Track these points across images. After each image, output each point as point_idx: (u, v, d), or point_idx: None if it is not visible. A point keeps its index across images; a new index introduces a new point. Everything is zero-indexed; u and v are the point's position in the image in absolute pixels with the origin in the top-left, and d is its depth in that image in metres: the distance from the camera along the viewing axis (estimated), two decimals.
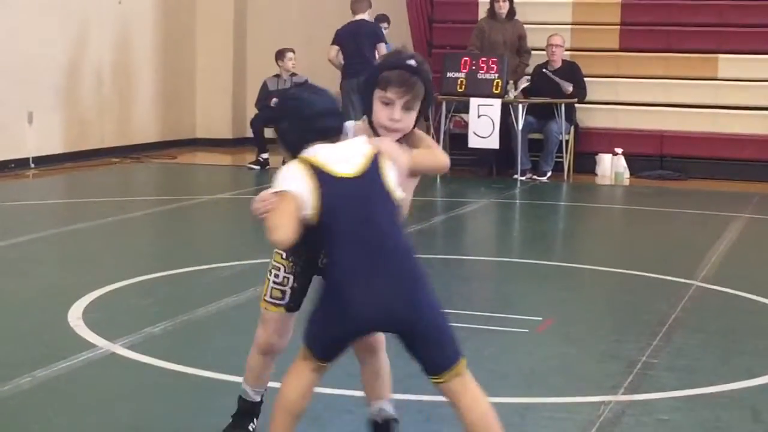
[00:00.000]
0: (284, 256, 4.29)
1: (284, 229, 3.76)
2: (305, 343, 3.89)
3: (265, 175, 13.98)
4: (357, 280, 3.72)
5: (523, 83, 14.05)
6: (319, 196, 3.71)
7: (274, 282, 4.32)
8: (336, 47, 13.84)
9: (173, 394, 5.32)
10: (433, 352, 3.87)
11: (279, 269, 4.32)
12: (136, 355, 5.76)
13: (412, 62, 4.04)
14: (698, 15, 15.03)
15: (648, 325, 6.61)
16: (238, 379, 5.36)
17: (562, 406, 5.19)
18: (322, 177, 3.73)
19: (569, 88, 13.87)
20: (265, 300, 4.36)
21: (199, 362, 5.65)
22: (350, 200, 3.74)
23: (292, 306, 4.34)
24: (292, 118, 3.90)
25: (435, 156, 4.20)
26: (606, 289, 8.13)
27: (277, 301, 4.33)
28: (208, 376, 5.45)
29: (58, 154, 14.22)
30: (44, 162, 13.82)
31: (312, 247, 4.07)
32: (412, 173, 4.06)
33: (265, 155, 14.28)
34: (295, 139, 3.88)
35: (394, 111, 3.98)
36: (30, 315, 6.71)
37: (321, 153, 3.79)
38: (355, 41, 13.61)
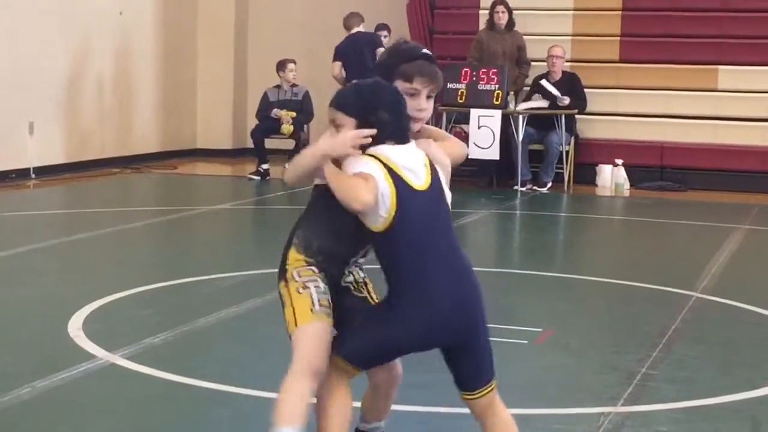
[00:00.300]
0: (316, 270, 3.92)
1: (370, 195, 3.66)
2: (347, 359, 3.81)
3: (265, 185, 13.99)
4: (424, 295, 3.74)
5: (539, 101, 13.98)
6: (395, 201, 3.71)
7: (318, 292, 3.88)
8: (339, 63, 13.86)
9: (173, 405, 5.32)
10: (474, 368, 3.94)
11: (316, 281, 3.91)
12: (136, 366, 5.76)
13: (427, 51, 4.07)
14: (698, 27, 15.04)
15: (647, 337, 6.61)
16: (239, 390, 5.39)
17: (562, 417, 5.19)
18: (398, 183, 3.72)
19: (565, 101, 13.86)
20: (313, 312, 3.85)
21: (199, 373, 5.65)
22: (422, 212, 3.78)
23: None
24: (394, 99, 3.83)
25: (458, 146, 4.21)
26: (606, 300, 8.13)
27: (328, 310, 3.88)
28: (209, 387, 5.45)
29: (59, 165, 14.24)
30: (45, 172, 13.84)
31: (345, 258, 3.98)
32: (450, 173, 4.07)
33: (265, 166, 14.29)
34: (397, 129, 3.79)
35: (421, 101, 3.96)
36: (30, 325, 6.72)
37: (394, 157, 3.76)
38: (355, 52, 13.64)
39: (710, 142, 14.48)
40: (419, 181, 3.78)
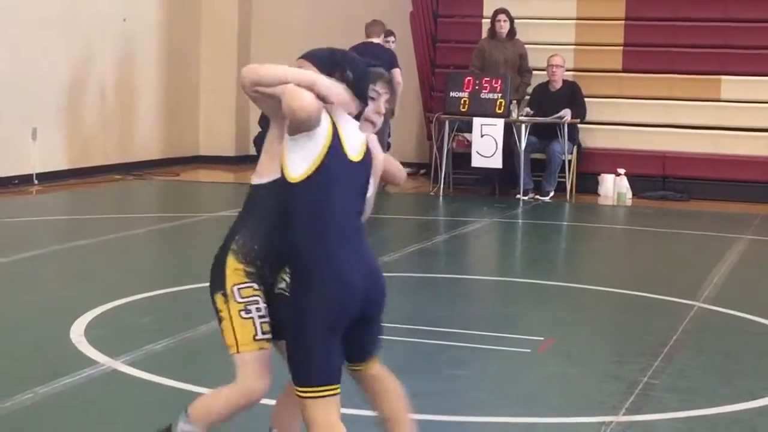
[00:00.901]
0: (256, 287, 3.94)
1: (317, 108, 3.66)
2: (310, 384, 3.73)
3: None
4: (331, 264, 3.70)
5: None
6: (325, 153, 3.70)
7: (260, 316, 3.93)
8: None
9: (175, 411, 5.30)
10: (370, 338, 3.96)
11: (257, 302, 3.95)
12: (138, 372, 5.76)
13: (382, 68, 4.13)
14: (701, 37, 15.05)
15: (649, 346, 6.61)
16: None
17: (563, 426, 5.19)
18: (335, 141, 3.73)
19: (567, 117, 13.83)
20: (256, 340, 3.92)
21: (201, 379, 5.64)
22: (344, 178, 3.75)
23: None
24: (363, 72, 3.89)
25: (398, 165, 4.29)
26: (608, 310, 8.13)
27: (269, 336, 3.95)
28: None
29: (62, 171, 14.25)
30: (47, 178, 13.85)
31: (283, 258, 3.91)
32: (380, 175, 4.11)
33: None
34: (365, 89, 3.86)
35: (380, 104, 4.00)
36: (32, 331, 6.72)
37: (341, 119, 3.80)
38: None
39: (713, 152, 14.48)
40: (353, 152, 3.79)
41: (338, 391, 3.76)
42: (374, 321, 3.93)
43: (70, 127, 14.51)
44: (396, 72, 13.66)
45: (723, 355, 6.62)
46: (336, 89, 3.77)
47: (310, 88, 3.70)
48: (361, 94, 3.87)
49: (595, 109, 14.55)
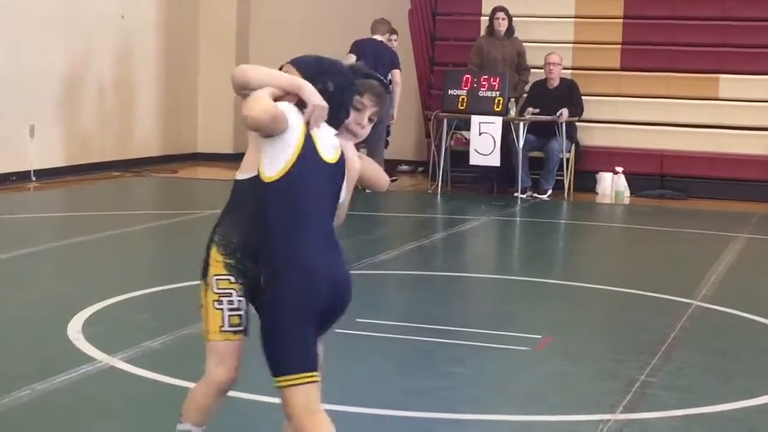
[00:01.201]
0: (233, 280, 4.06)
1: (265, 115, 3.74)
2: (286, 373, 3.78)
3: None
4: (302, 261, 3.79)
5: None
6: (298, 153, 3.79)
7: (230, 309, 4.06)
8: (354, 56, 13.78)
9: (172, 408, 5.30)
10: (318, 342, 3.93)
11: (230, 294, 4.07)
12: (135, 369, 5.76)
13: (383, 79, 4.17)
14: (699, 35, 15.05)
15: (647, 344, 6.61)
16: (238, 393, 5.37)
17: (561, 424, 5.19)
18: (308, 142, 3.82)
19: (564, 116, 13.81)
20: (222, 331, 4.08)
21: (198, 376, 5.58)
22: (317, 178, 3.84)
23: (247, 329, 4.11)
24: (347, 83, 3.96)
25: (380, 172, 4.33)
26: (605, 308, 8.13)
27: (237, 328, 4.08)
28: None
29: (59, 168, 14.23)
30: (45, 175, 13.83)
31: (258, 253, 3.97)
32: (358, 180, 4.16)
33: None
34: (334, 106, 3.90)
35: (363, 117, 4.04)
36: (29, 328, 6.71)
37: (321, 132, 3.88)
38: (374, 59, 13.57)
39: (711, 151, 14.48)
40: (327, 154, 3.87)
41: (317, 378, 3.79)
42: (331, 325, 3.95)
43: (68, 124, 14.50)
44: (395, 73, 13.67)
45: (721, 354, 6.63)
46: (319, 101, 3.84)
47: (296, 92, 3.82)
48: (341, 105, 3.93)
49: (593, 107, 14.55)
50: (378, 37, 14.01)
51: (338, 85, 3.92)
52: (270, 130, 3.77)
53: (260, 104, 3.76)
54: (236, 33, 17.31)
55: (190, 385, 5.49)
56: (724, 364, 6.39)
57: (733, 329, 7.31)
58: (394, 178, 13.83)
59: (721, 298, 8.04)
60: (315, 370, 3.81)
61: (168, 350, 6.22)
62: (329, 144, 3.89)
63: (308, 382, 3.78)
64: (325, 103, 3.87)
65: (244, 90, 3.93)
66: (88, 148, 14.90)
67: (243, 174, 4.11)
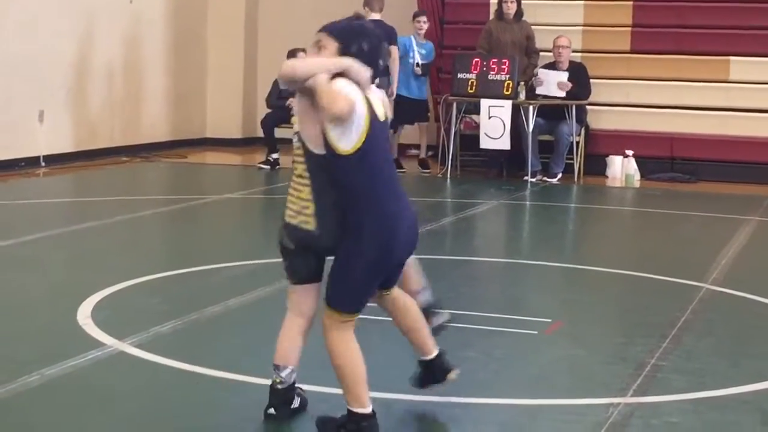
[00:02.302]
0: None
1: (348, 107, 4.28)
2: (338, 308, 4.46)
3: (275, 175, 13.98)
4: (383, 217, 4.40)
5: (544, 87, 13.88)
6: (368, 124, 4.37)
7: None
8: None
9: (181, 393, 5.32)
10: (398, 273, 4.72)
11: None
12: (145, 354, 5.76)
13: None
14: (710, 17, 14.97)
15: (657, 328, 6.60)
16: (247, 378, 5.39)
17: (571, 407, 5.18)
18: (370, 109, 4.41)
19: (565, 83, 13.75)
20: None
21: (207, 361, 5.64)
22: (382, 140, 4.48)
23: None
24: (374, 43, 4.52)
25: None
26: (615, 292, 8.11)
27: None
28: (216, 375, 5.45)
29: (69, 153, 14.24)
30: (54, 160, 13.84)
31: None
32: None
33: (275, 155, 14.26)
34: (370, 65, 4.46)
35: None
36: (39, 313, 6.72)
37: (372, 96, 4.47)
38: None
39: (721, 134, 14.42)
40: (380, 115, 4.48)
41: (354, 319, 4.53)
42: (404, 263, 4.65)
43: (77, 109, 14.50)
44: (393, 49, 13.56)
45: (731, 337, 6.61)
46: (364, 72, 4.40)
47: (344, 72, 4.35)
48: (372, 62, 4.46)
49: (603, 90, 14.50)
50: (375, 16, 13.93)
51: (370, 45, 4.47)
52: (350, 117, 4.29)
53: (339, 97, 4.27)
54: (245, 17, 17.28)
55: (199, 369, 5.52)
56: (735, 347, 6.37)
57: (743, 312, 7.29)
58: (403, 170, 13.79)
59: (731, 281, 8.01)
60: (358, 313, 4.51)
61: (177, 335, 6.22)
62: (379, 101, 4.50)
63: (351, 322, 4.50)
64: (367, 73, 4.40)
65: (292, 82, 4.40)
66: (98, 133, 14.90)
67: (318, 149, 4.45)
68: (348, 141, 4.33)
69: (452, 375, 4.98)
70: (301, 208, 4.58)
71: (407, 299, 4.85)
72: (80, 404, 5.08)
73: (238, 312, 6.81)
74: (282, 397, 4.83)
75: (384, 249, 4.42)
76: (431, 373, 4.97)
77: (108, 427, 4.78)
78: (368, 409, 4.50)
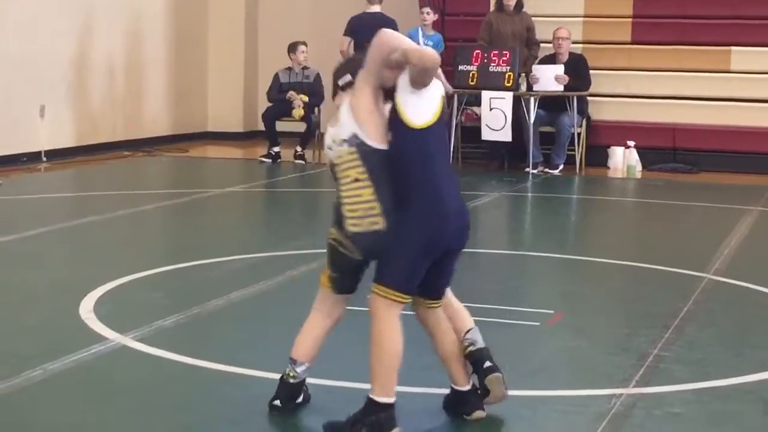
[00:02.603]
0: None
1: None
2: (390, 285, 4.47)
3: (276, 168, 13.98)
4: (437, 195, 4.54)
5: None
6: (441, 103, 4.60)
7: None
8: (348, 38, 13.78)
9: (184, 386, 5.33)
10: (446, 273, 4.73)
11: None
12: (147, 348, 5.77)
13: None
14: (711, 7, 14.95)
15: (659, 318, 6.60)
16: (249, 371, 5.40)
17: (573, 399, 5.18)
18: (443, 101, 4.67)
19: (562, 77, 13.74)
20: None
21: (210, 355, 5.65)
22: (443, 122, 4.67)
23: None
24: None
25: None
26: (617, 283, 8.11)
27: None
28: (219, 369, 5.46)
29: (70, 148, 14.23)
30: (56, 155, 13.84)
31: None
32: None
33: (276, 148, 14.26)
34: None
35: None
36: (42, 308, 6.73)
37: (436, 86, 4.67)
38: (371, 33, 13.49)
39: (723, 124, 14.41)
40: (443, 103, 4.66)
41: (407, 301, 4.57)
42: (454, 256, 4.68)
43: (78, 104, 14.49)
44: None
45: (733, 327, 6.61)
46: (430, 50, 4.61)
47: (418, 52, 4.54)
48: None
49: (604, 81, 14.48)
50: (374, 8, 13.90)
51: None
52: (436, 72, 4.53)
53: (430, 51, 4.55)
54: (245, 10, 17.26)
55: (202, 363, 5.52)
56: (737, 337, 6.37)
57: (745, 302, 7.29)
58: None
59: (733, 271, 8.01)
60: (410, 295, 4.56)
61: (180, 329, 6.22)
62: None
63: (400, 302, 4.52)
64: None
65: (393, 54, 4.55)
66: (99, 128, 14.89)
67: (380, 143, 4.58)
68: (420, 115, 4.51)
69: (478, 414, 4.81)
70: (366, 211, 4.58)
71: (449, 326, 4.81)
72: (83, 398, 5.08)
73: (240, 306, 6.81)
74: (291, 391, 4.84)
75: (434, 226, 4.51)
76: (458, 403, 4.86)
77: (111, 420, 4.78)
78: (392, 399, 4.49)
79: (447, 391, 4.92)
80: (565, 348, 6.03)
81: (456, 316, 4.90)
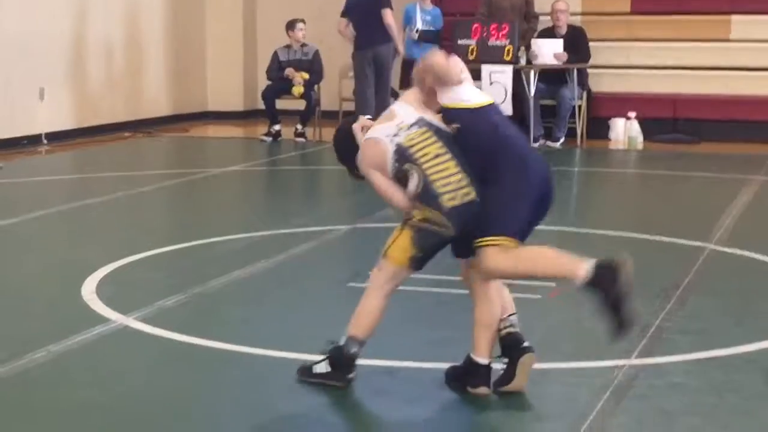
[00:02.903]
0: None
1: None
2: (503, 233, 4.63)
3: (277, 146, 13.96)
4: (526, 146, 4.88)
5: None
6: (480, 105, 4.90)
7: None
8: (345, 20, 13.74)
9: (186, 366, 5.34)
10: (537, 221, 4.96)
11: None
12: (150, 328, 5.77)
13: None
14: None
15: (661, 289, 6.59)
16: (251, 350, 5.40)
17: (576, 371, 5.19)
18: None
19: (561, 54, 13.70)
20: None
21: (212, 334, 5.66)
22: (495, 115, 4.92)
23: None
24: None
25: None
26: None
27: None
28: (221, 348, 5.46)
29: (70, 130, 14.22)
30: (56, 138, 13.83)
31: None
32: None
33: (276, 127, 14.24)
34: None
35: None
36: (43, 290, 6.74)
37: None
38: (364, 11, 13.49)
39: (724, 93, 14.37)
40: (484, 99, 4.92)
41: (514, 244, 4.69)
42: (548, 201, 4.88)
43: (77, 86, 14.47)
44: (386, 13, 13.45)
45: (736, 297, 6.60)
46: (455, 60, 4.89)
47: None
48: None
49: (604, 52, 14.44)
50: None
51: None
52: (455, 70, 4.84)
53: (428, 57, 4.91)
54: None
55: (204, 342, 5.52)
56: (740, 306, 6.37)
57: (748, 271, 7.28)
58: None
59: (735, 240, 8.00)
60: (519, 241, 4.71)
61: (181, 309, 6.23)
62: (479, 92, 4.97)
63: (504, 244, 4.63)
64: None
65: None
66: (99, 109, 14.87)
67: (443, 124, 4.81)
68: (471, 99, 4.79)
69: (483, 390, 4.80)
70: (456, 184, 4.67)
71: (497, 297, 4.84)
72: (86, 379, 5.09)
73: (242, 284, 6.81)
74: (350, 368, 4.84)
75: (529, 175, 4.71)
76: (467, 374, 4.82)
77: (114, 400, 4.79)
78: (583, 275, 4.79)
79: (445, 364, 4.92)
80: (568, 320, 6.03)
81: (505, 299, 4.93)
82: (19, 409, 4.68)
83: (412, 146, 4.72)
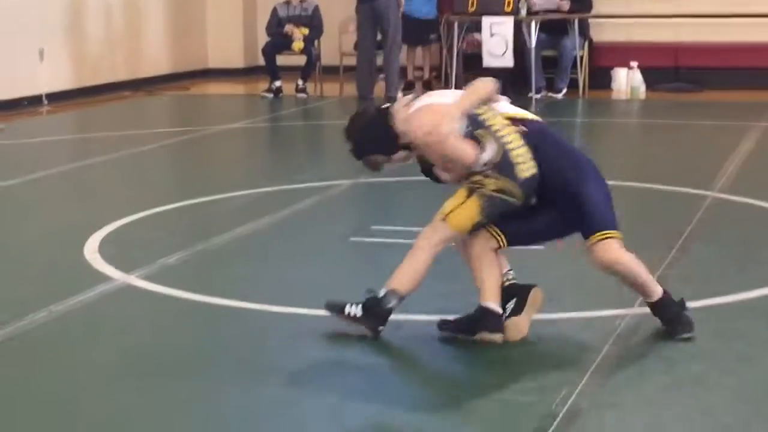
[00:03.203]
0: None
1: None
2: (613, 226, 4.89)
3: (278, 103, 13.92)
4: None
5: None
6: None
7: None
8: None
9: (189, 323, 5.35)
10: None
11: None
12: (153, 286, 5.78)
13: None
14: None
15: (664, 238, 6.59)
16: (254, 306, 5.41)
17: (579, 321, 5.21)
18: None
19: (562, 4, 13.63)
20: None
21: (215, 291, 5.66)
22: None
23: None
24: None
25: None
26: (622, 204, 7.95)
27: None
28: (224, 304, 5.47)
29: (71, 90, 14.19)
30: (57, 98, 13.79)
31: None
32: None
33: (277, 83, 14.19)
34: None
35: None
36: (46, 250, 6.74)
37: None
38: None
39: (725, 41, 14.30)
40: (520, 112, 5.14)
41: (620, 236, 4.88)
42: None
43: (77, 46, 14.42)
44: None
45: (738, 244, 6.59)
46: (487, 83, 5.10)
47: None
48: None
49: (605, 2, 14.35)
50: None
51: None
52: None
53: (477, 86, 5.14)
54: None
55: (206, 299, 5.53)
56: (742, 253, 6.36)
57: (750, 219, 7.27)
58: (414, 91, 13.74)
59: (738, 188, 7.98)
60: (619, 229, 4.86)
61: (184, 266, 6.23)
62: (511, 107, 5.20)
63: (616, 237, 4.83)
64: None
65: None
66: (99, 69, 14.83)
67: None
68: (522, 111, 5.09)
69: (497, 336, 4.83)
70: (525, 155, 4.75)
71: (493, 255, 4.91)
72: (89, 338, 5.10)
73: (245, 241, 6.81)
74: (384, 321, 4.86)
75: (597, 172, 5.03)
76: (481, 321, 4.84)
77: (117, 358, 4.80)
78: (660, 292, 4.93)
79: (449, 317, 4.94)
80: (570, 271, 6.03)
81: (500, 258, 5.00)
82: (22, 370, 4.69)
83: (482, 114, 4.72)
